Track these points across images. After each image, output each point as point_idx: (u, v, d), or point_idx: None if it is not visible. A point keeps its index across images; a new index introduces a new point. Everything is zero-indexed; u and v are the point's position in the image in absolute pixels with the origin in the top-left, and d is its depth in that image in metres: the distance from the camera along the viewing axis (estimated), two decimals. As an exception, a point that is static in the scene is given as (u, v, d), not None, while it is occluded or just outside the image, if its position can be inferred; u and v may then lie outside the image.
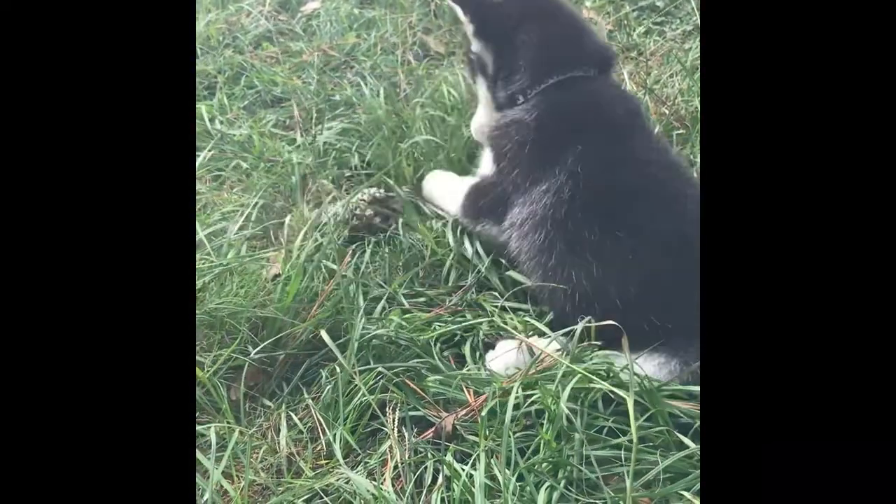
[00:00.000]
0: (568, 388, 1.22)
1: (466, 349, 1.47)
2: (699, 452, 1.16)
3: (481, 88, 1.72)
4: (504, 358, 1.42)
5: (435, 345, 1.46)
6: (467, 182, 1.71)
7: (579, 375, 1.25)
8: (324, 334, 1.43)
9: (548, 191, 1.47)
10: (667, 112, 2.05)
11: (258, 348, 1.45)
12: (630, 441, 1.14)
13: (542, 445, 1.22)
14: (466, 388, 1.36)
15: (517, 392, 1.25)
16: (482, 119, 1.75)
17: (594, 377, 1.24)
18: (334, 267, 1.59)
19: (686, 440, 1.18)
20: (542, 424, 1.24)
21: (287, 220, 1.64)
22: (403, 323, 1.49)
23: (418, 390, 1.38)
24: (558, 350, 1.33)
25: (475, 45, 1.68)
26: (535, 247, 1.48)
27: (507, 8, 1.66)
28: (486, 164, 1.65)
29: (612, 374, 1.26)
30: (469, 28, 1.67)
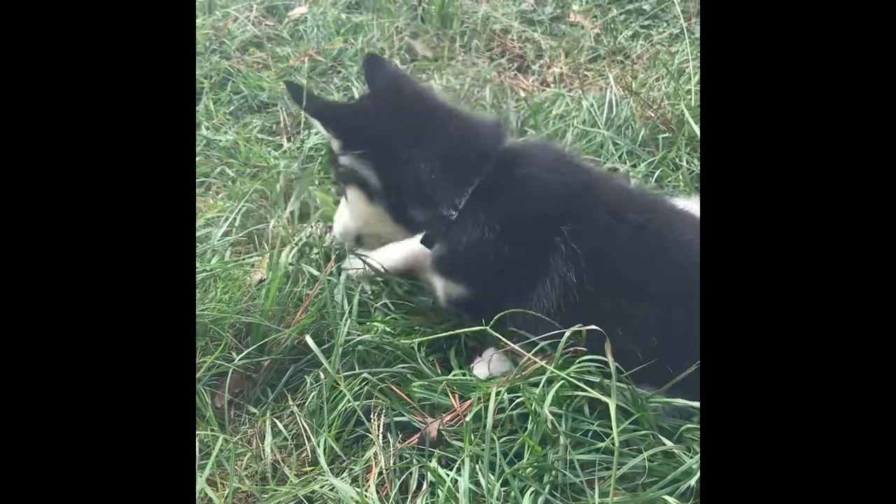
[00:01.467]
0: (551, 394, 1.21)
1: (451, 354, 1.46)
2: (679, 453, 1.16)
3: (359, 201, 1.51)
4: (490, 364, 1.42)
5: (419, 350, 1.45)
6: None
7: (563, 381, 1.24)
8: (308, 340, 1.42)
9: (553, 283, 1.33)
10: (653, 115, 2.05)
11: (243, 354, 1.44)
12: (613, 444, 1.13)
13: (525, 450, 1.22)
14: (452, 393, 1.36)
15: (502, 396, 1.25)
16: (350, 223, 1.57)
17: (578, 382, 1.23)
18: (317, 273, 1.58)
19: (668, 443, 1.18)
20: (525, 429, 1.24)
21: (271, 224, 1.63)
22: (388, 329, 1.48)
23: (404, 396, 1.37)
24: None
25: (345, 160, 1.47)
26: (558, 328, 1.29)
27: (376, 117, 1.45)
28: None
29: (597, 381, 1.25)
30: (335, 144, 1.47)
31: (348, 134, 1.45)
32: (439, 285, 1.47)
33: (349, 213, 1.56)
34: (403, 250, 1.58)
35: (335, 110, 1.51)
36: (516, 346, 1.36)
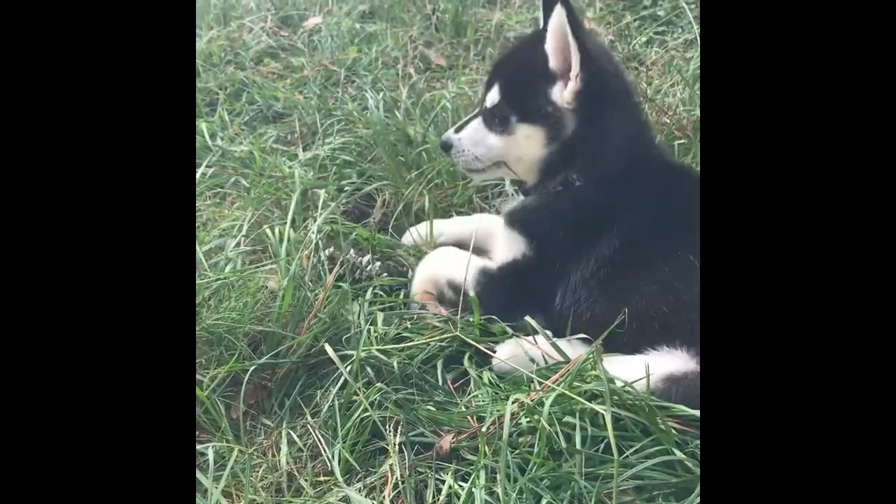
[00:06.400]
0: (547, 407, 1.21)
1: (465, 360, 1.46)
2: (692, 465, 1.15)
3: (531, 136, 1.61)
4: (510, 349, 1.44)
5: (429, 363, 1.45)
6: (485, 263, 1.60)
7: (568, 394, 1.23)
8: (328, 348, 1.41)
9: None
10: (668, 122, 2.03)
11: (258, 362, 1.44)
12: (621, 456, 1.12)
13: (532, 463, 1.20)
14: (469, 417, 1.34)
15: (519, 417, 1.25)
16: (503, 150, 1.64)
17: (578, 398, 1.22)
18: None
19: (681, 455, 1.16)
20: (532, 445, 1.23)
21: (278, 231, 1.64)
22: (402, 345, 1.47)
23: (418, 413, 1.36)
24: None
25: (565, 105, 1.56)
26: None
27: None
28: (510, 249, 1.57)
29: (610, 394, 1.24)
30: (570, 89, 1.54)
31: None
32: (501, 244, 1.60)
33: (506, 142, 1.62)
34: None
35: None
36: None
